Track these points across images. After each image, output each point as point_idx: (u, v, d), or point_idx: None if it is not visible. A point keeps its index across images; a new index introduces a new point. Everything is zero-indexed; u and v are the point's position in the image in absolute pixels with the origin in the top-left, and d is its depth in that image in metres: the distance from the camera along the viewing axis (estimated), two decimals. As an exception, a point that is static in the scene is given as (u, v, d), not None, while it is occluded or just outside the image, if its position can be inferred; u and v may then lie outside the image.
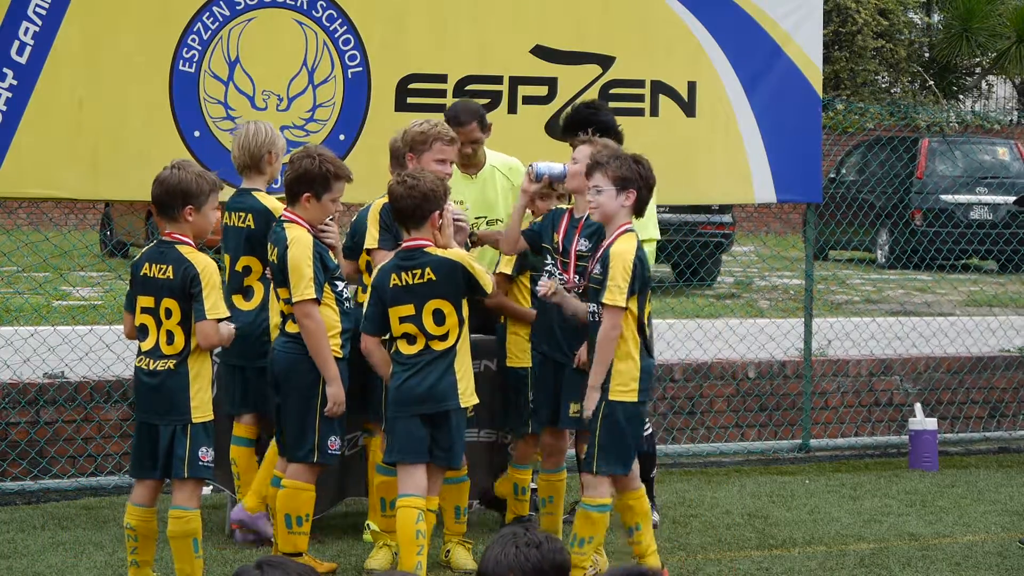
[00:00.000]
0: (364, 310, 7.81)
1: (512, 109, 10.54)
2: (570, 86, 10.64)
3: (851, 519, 9.60)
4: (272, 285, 8.05)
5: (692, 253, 15.28)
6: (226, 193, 9.66)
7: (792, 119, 11.21)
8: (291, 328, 7.84)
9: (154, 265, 7.33)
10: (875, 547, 8.88)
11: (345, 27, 10.18)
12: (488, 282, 7.71)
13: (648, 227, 8.83)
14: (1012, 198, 22.61)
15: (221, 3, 9.95)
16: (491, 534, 8.98)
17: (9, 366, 10.55)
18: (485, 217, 9.08)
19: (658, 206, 9.66)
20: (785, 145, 11.18)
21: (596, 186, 7.69)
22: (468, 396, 7.72)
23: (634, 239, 7.64)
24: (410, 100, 10.29)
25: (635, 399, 7.62)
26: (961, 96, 34.71)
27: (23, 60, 9.59)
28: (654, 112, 10.81)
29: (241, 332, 8.27)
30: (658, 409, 11.55)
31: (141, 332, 7.38)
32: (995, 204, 22.64)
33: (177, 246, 7.33)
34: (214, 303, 7.25)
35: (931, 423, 11.41)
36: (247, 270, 8.43)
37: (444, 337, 7.65)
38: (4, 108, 9.56)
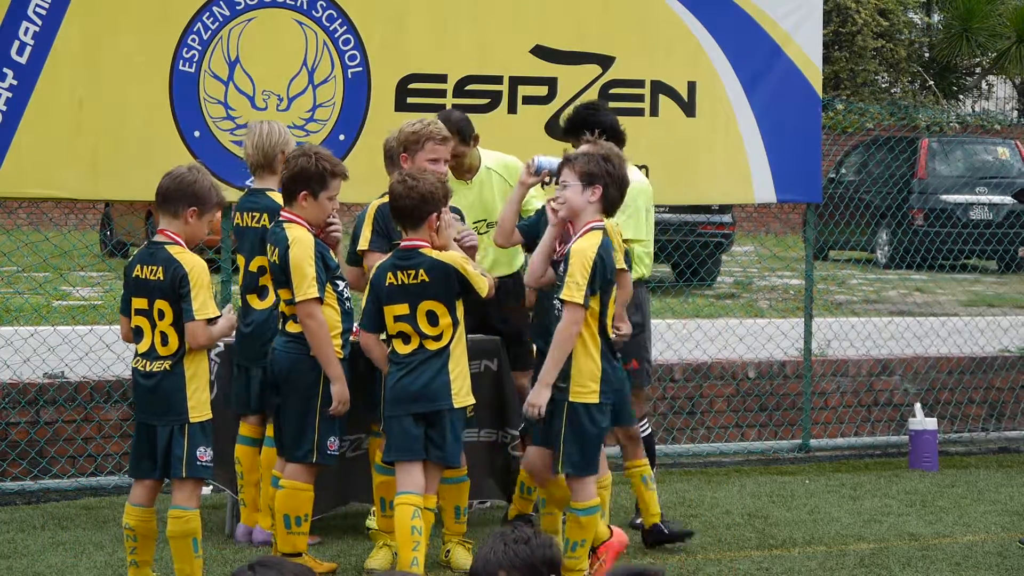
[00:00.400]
0: (363, 307, 7.82)
1: (512, 109, 10.55)
2: (570, 86, 10.64)
3: (851, 519, 9.60)
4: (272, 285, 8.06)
5: (692, 253, 15.28)
6: (233, 194, 9.70)
7: (792, 119, 11.21)
8: (291, 328, 7.85)
9: (145, 267, 7.34)
10: (875, 547, 8.88)
11: (345, 27, 10.18)
12: (483, 284, 7.70)
13: (638, 228, 8.82)
14: (1011, 197, 22.63)
15: (221, 3, 9.95)
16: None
17: (9, 366, 10.55)
18: (485, 220, 9.07)
19: (658, 206, 9.69)
20: (785, 145, 11.19)
21: (563, 182, 7.71)
22: (463, 396, 7.72)
23: (598, 237, 7.58)
24: (410, 100, 10.29)
25: (596, 400, 7.60)
26: (961, 96, 34.72)
27: (23, 60, 9.59)
28: (654, 112, 10.81)
29: (255, 332, 8.27)
30: (658, 409, 11.56)
31: (136, 334, 7.38)
32: (995, 204, 22.64)
33: (167, 246, 7.32)
34: (203, 303, 7.24)
35: (931, 423, 11.40)
36: (262, 270, 8.41)
37: (438, 337, 7.65)
38: (4, 108, 9.57)
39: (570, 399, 7.56)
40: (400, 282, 7.65)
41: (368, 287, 7.80)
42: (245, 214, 8.58)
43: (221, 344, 8.76)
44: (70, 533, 8.90)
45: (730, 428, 11.95)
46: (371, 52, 10.24)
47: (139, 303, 7.34)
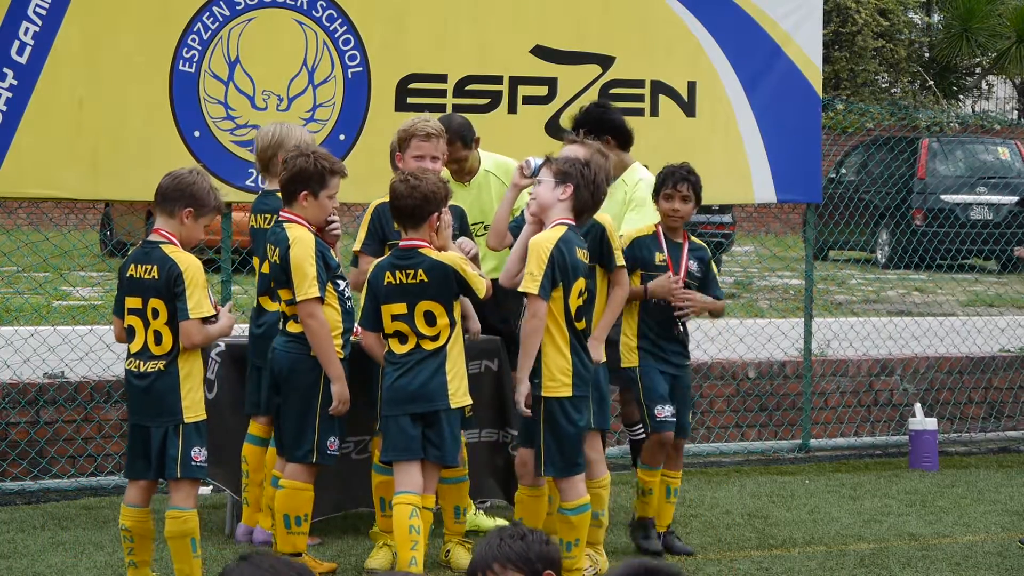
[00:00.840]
0: (362, 306, 7.81)
1: (512, 109, 10.55)
2: (570, 86, 10.64)
3: (851, 519, 9.60)
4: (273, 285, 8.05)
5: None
6: (233, 194, 9.71)
7: (792, 119, 11.22)
8: (292, 328, 7.85)
9: (140, 266, 7.34)
10: (875, 547, 8.88)
11: (345, 27, 10.18)
12: (481, 286, 7.72)
13: (647, 216, 8.91)
14: (1013, 198, 22.63)
15: (221, 3, 9.95)
16: (485, 530, 8.99)
17: (9, 366, 10.55)
18: (482, 223, 9.06)
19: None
20: (785, 145, 11.19)
21: (540, 179, 7.85)
22: (460, 397, 7.71)
23: (560, 231, 7.66)
24: (410, 100, 10.29)
25: (569, 393, 7.64)
26: (961, 96, 34.73)
27: (23, 60, 9.59)
28: (654, 112, 10.82)
29: (267, 333, 8.25)
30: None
31: (129, 334, 7.38)
32: (995, 204, 22.65)
33: (162, 245, 7.33)
34: (198, 302, 7.24)
35: (931, 423, 11.41)
36: None
37: (435, 338, 7.65)
38: (4, 108, 9.57)
39: (543, 394, 7.63)
40: (399, 281, 7.65)
41: (365, 286, 7.80)
42: (259, 216, 8.57)
43: (222, 343, 8.77)
44: (70, 533, 8.90)
45: (730, 428, 11.95)
46: (371, 52, 10.24)
47: (133, 302, 7.34)
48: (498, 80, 10.54)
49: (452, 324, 7.67)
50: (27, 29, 9.59)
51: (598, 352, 8.14)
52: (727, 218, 19.68)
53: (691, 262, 8.59)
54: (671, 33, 10.93)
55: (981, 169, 23.12)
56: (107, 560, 8.30)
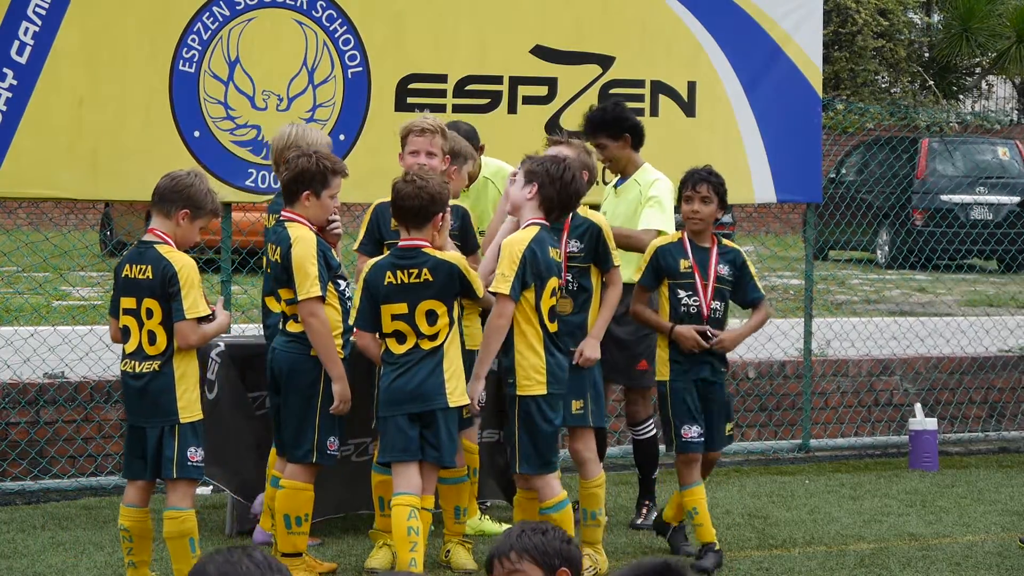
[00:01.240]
0: (356, 305, 7.79)
1: (512, 109, 10.55)
2: (570, 86, 10.65)
3: (851, 519, 9.60)
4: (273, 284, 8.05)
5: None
6: (233, 193, 9.71)
7: (792, 119, 11.22)
8: (292, 327, 7.84)
9: (134, 266, 7.34)
10: (875, 547, 8.88)
11: (345, 27, 10.18)
12: (480, 287, 7.74)
13: (668, 221, 8.96)
14: (1013, 198, 22.62)
15: (221, 3, 9.95)
16: (490, 535, 8.99)
17: (9, 366, 10.55)
18: (480, 230, 9.06)
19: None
20: (785, 145, 11.19)
21: (513, 178, 7.93)
22: (457, 396, 7.71)
23: (532, 232, 7.71)
24: (410, 100, 10.29)
25: (543, 392, 7.68)
26: (961, 96, 34.72)
27: (23, 60, 9.59)
28: (654, 112, 10.82)
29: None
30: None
31: (124, 334, 7.38)
32: (995, 204, 22.64)
33: (156, 246, 7.33)
34: (193, 302, 7.25)
35: (931, 423, 11.41)
36: None
37: (434, 337, 7.65)
38: (4, 108, 9.57)
39: (517, 393, 7.67)
40: (400, 281, 7.64)
41: (361, 286, 7.78)
42: (272, 216, 8.56)
43: (222, 343, 8.77)
44: (70, 533, 8.90)
45: (730, 428, 11.94)
46: (371, 52, 10.24)
47: (127, 302, 7.34)
48: (498, 80, 10.54)
49: (451, 323, 7.68)
50: (27, 29, 9.59)
51: (594, 350, 8.14)
52: (727, 218, 19.65)
53: (722, 267, 8.37)
54: (671, 33, 10.93)
55: (981, 169, 23.12)
56: (107, 560, 8.30)
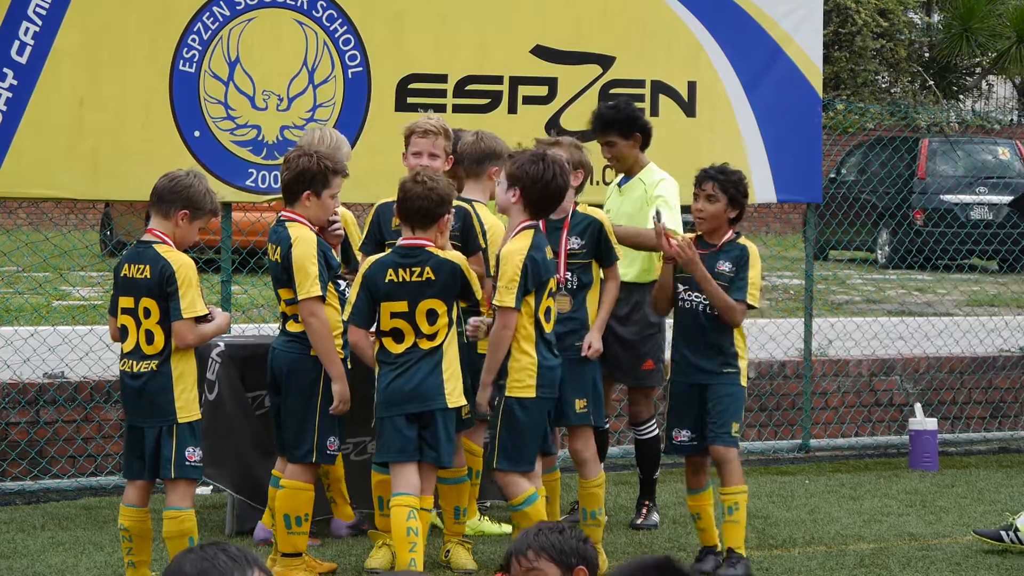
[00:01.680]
0: (352, 301, 7.76)
1: (512, 109, 10.55)
2: (570, 86, 10.64)
3: (851, 519, 9.59)
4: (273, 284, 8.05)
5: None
6: (232, 193, 9.70)
7: (792, 119, 11.21)
8: (292, 327, 7.84)
9: (133, 265, 7.35)
10: (875, 547, 8.88)
11: (345, 27, 10.17)
12: (479, 289, 7.75)
13: (677, 222, 8.95)
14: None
15: (221, 3, 9.95)
16: (490, 535, 9.00)
17: (9, 366, 10.55)
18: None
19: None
20: (785, 145, 11.19)
21: (498, 180, 7.93)
22: (456, 397, 7.70)
23: (528, 238, 7.67)
24: (410, 100, 10.29)
25: (532, 395, 7.66)
26: (961, 96, 34.70)
27: (23, 60, 9.59)
28: (654, 112, 10.81)
29: None
30: (659, 409, 11.54)
31: (122, 333, 7.39)
32: (996, 204, 22.64)
33: (155, 245, 7.33)
34: (191, 302, 7.25)
35: (931, 423, 11.40)
36: None
37: (433, 336, 7.65)
38: (4, 108, 9.56)
39: (507, 394, 7.67)
40: (401, 279, 7.63)
41: (359, 282, 7.76)
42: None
43: (222, 343, 8.77)
44: (70, 533, 8.90)
45: (730, 428, 11.93)
46: (371, 52, 10.24)
47: (126, 302, 7.35)
48: (498, 80, 10.54)
49: (451, 323, 7.67)
50: (27, 29, 9.59)
51: (598, 342, 8.18)
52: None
53: (724, 264, 8.14)
54: (671, 33, 10.93)
55: (981, 169, 23.11)
56: (107, 560, 8.30)
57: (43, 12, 9.62)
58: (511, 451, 7.69)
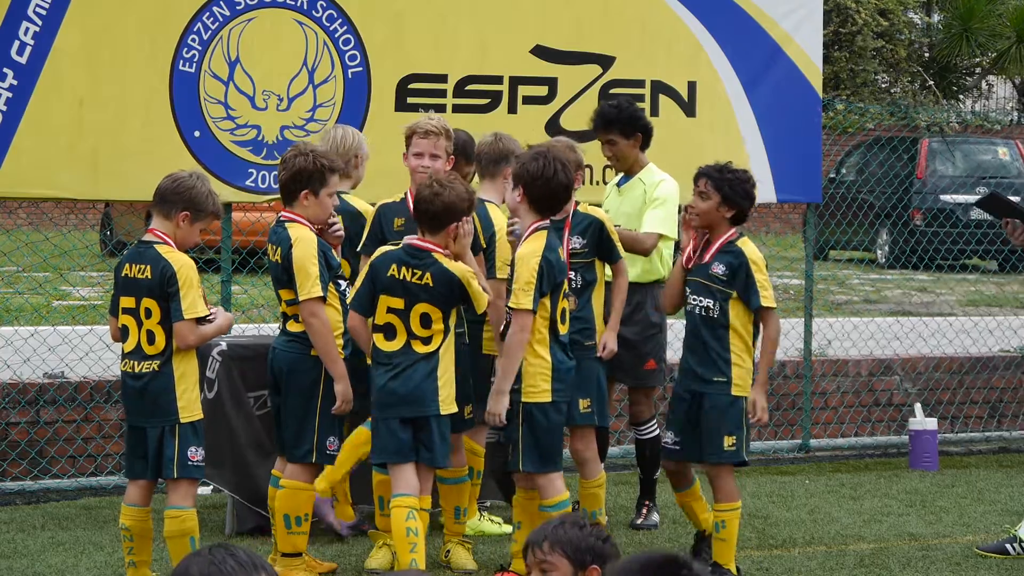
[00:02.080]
0: (357, 287, 7.75)
1: (512, 109, 10.55)
2: (570, 86, 10.64)
3: (851, 519, 9.59)
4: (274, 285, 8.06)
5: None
6: (232, 193, 9.70)
7: (792, 119, 11.22)
8: (292, 327, 7.84)
9: (134, 265, 7.35)
10: (875, 547, 8.88)
11: (345, 27, 10.17)
12: (482, 302, 7.68)
13: (672, 226, 8.95)
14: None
15: (221, 3, 9.95)
16: (490, 535, 9.00)
17: (9, 366, 10.55)
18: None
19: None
20: (785, 145, 11.19)
21: (506, 182, 7.92)
22: (448, 404, 7.68)
23: (542, 239, 7.63)
24: (410, 100, 10.29)
25: (549, 399, 7.64)
26: (961, 96, 34.68)
27: (23, 60, 9.59)
28: (654, 112, 10.81)
29: None
30: (659, 410, 11.54)
31: (123, 333, 7.39)
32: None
33: (156, 246, 7.34)
34: (191, 302, 7.25)
35: (931, 423, 11.40)
36: None
37: (427, 340, 7.62)
38: (4, 108, 9.56)
39: (523, 400, 7.62)
40: (402, 277, 7.62)
41: (366, 269, 7.74)
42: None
43: (223, 343, 8.77)
44: (70, 533, 8.90)
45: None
46: (371, 52, 10.24)
47: (127, 302, 7.35)
48: (498, 80, 10.54)
49: (446, 330, 7.65)
50: (27, 29, 9.59)
51: (613, 343, 8.20)
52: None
53: (718, 265, 7.91)
54: (671, 33, 10.93)
55: (981, 169, 23.10)
56: (107, 560, 8.30)
57: (43, 12, 9.61)
58: (536, 452, 7.66)
